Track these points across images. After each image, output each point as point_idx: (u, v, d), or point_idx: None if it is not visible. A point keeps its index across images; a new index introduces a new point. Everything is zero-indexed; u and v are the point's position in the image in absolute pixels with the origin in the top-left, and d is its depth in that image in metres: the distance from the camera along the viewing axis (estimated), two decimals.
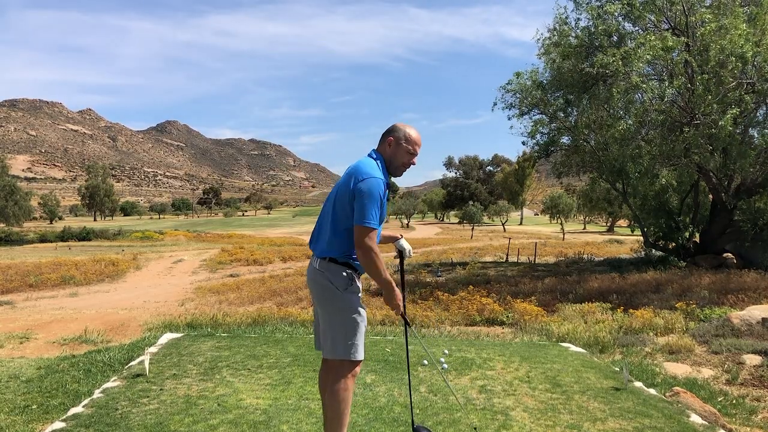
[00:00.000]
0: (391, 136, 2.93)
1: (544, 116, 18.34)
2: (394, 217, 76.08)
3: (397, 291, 2.93)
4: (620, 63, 13.68)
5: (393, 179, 3.07)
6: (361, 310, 2.91)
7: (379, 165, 2.89)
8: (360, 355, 2.88)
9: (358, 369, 2.91)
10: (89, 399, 4.09)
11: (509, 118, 18.66)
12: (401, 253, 3.29)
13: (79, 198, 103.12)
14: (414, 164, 2.98)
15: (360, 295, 2.95)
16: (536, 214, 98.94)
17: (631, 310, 10.12)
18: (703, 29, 13.77)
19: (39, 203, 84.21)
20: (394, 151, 2.91)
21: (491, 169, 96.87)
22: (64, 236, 47.68)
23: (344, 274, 2.87)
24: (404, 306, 3.01)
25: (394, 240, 3.29)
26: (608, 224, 63.95)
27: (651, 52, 13.61)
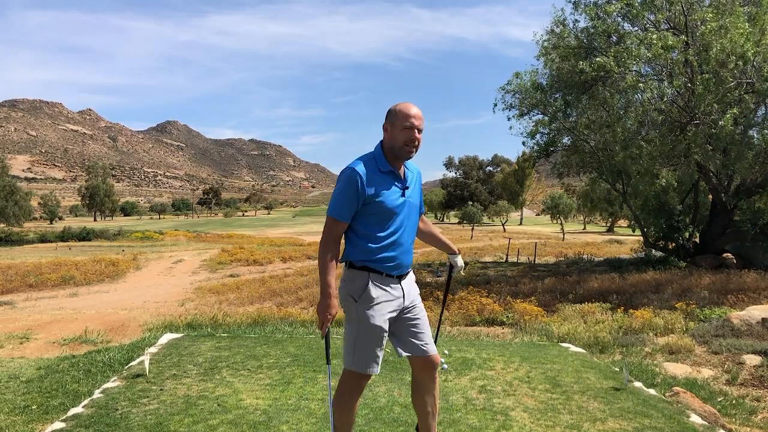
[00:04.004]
0: (385, 122, 2.71)
1: (544, 116, 18.36)
2: None
3: (331, 308, 2.61)
4: (613, 64, 13.69)
5: (412, 165, 2.82)
6: (379, 321, 2.67)
7: (373, 155, 2.69)
8: (368, 368, 2.70)
9: (363, 383, 2.76)
10: (89, 399, 4.09)
11: (509, 119, 18.71)
12: (451, 267, 3.20)
13: (79, 198, 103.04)
14: (417, 138, 2.65)
15: (384, 303, 2.69)
16: (537, 215, 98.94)
17: (631, 311, 10.13)
18: (703, 28, 13.77)
19: (39, 203, 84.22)
20: (391, 134, 2.66)
21: (491, 169, 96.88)
22: (64, 236, 47.69)
23: (360, 281, 2.68)
24: (327, 325, 2.65)
25: (449, 252, 3.15)
26: (608, 224, 63.93)
27: (650, 51, 13.62)
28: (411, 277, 2.87)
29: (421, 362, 2.80)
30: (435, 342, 2.96)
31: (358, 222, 2.66)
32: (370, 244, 2.66)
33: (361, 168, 2.61)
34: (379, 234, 2.66)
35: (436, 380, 2.85)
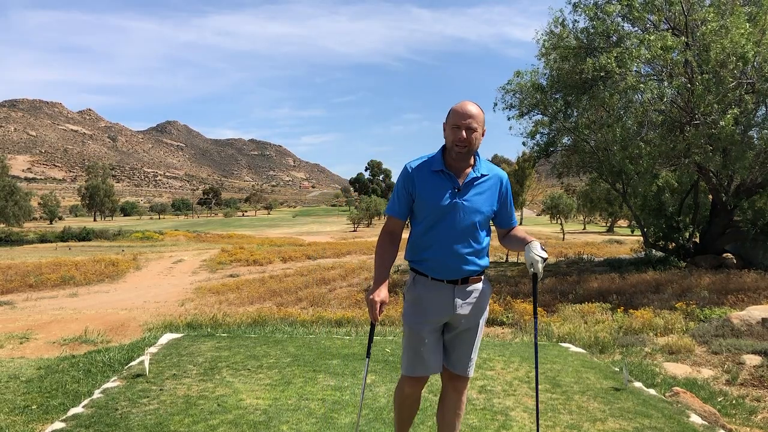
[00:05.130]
0: (444, 121, 2.67)
1: (544, 117, 18.36)
2: None
3: (379, 293, 2.53)
4: (614, 64, 13.69)
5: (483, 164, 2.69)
6: (413, 322, 2.65)
7: (431, 154, 2.68)
8: (406, 369, 2.69)
9: (411, 387, 2.73)
10: (89, 399, 4.09)
11: (509, 119, 18.70)
12: (534, 274, 2.57)
13: (79, 198, 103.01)
14: (464, 138, 2.53)
15: (425, 305, 2.64)
16: (538, 215, 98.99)
17: (631, 311, 10.13)
18: (704, 28, 13.78)
19: (39, 203, 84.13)
20: (446, 134, 2.63)
21: None
22: (64, 236, 47.68)
23: (409, 280, 2.73)
24: (377, 312, 2.53)
25: (524, 245, 2.63)
26: (608, 224, 63.95)
27: (650, 52, 13.62)
28: (476, 291, 2.68)
29: (449, 374, 2.77)
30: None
31: (412, 222, 2.71)
32: (414, 245, 2.68)
33: (412, 164, 2.67)
34: (422, 234, 2.64)
35: (464, 398, 2.81)
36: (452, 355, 2.72)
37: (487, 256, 2.73)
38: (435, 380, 4.74)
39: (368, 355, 2.72)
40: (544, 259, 2.53)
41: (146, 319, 11.64)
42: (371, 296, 2.53)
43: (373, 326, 2.72)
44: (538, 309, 11.18)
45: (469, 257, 2.62)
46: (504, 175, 2.72)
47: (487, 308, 2.78)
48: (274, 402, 4.09)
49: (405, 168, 2.68)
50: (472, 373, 2.77)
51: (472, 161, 2.64)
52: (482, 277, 2.71)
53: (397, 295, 14.13)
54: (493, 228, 2.81)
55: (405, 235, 2.72)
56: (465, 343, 2.71)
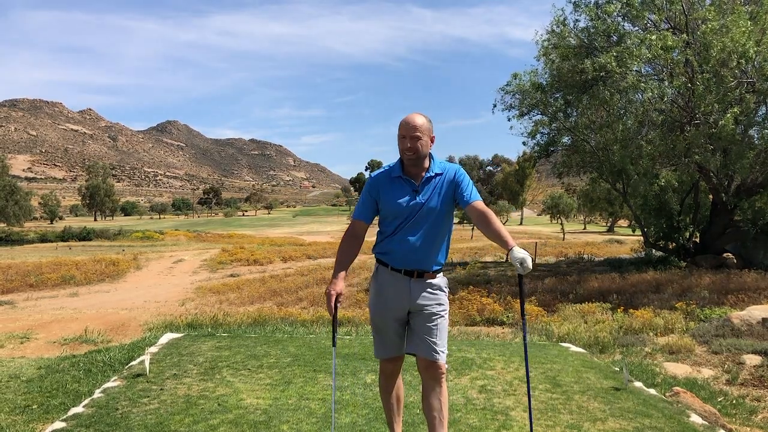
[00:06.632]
0: None
1: (544, 117, 18.36)
2: None
3: (335, 286, 2.77)
4: (614, 64, 13.69)
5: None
6: (376, 309, 2.99)
7: (391, 164, 2.98)
8: (376, 353, 3.07)
9: (384, 368, 3.10)
10: (89, 399, 4.10)
11: (509, 119, 18.70)
12: (520, 276, 2.75)
13: (80, 198, 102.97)
14: (410, 147, 2.82)
15: (385, 294, 2.94)
16: (538, 215, 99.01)
17: (631, 310, 10.13)
18: (704, 27, 13.77)
19: (39, 203, 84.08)
20: (398, 144, 2.91)
21: (491, 169, 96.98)
22: (65, 236, 47.64)
23: (374, 270, 3.03)
24: (332, 304, 2.76)
25: (505, 248, 2.74)
26: (608, 224, 63.92)
27: (650, 51, 13.62)
28: (431, 286, 2.93)
29: (423, 363, 2.94)
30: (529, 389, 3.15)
31: (380, 224, 2.99)
32: (379, 239, 2.98)
33: (375, 174, 2.98)
34: (385, 230, 2.94)
35: (442, 385, 2.94)
36: (416, 337, 2.93)
37: (446, 254, 2.99)
38: None
39: (334, 344, 2.86)
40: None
41: (147, 319, 11.64)
42: (327, 288, 2.79)
43: (334, 318, 2.86)
44: (539, 309, 11.16)
45: (426, 252, 2.89)
46: (457, 167, 2.98)
47: (447, 299, 3.01)
48: (275, 402, 4.09)
49: (369, 178, 3.00)
50: (442, 360, 2.91)
51: (426, 164, 2.91)
52: (439, 274, 2.98)
53: None
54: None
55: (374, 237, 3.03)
56: (426, 322, 2.90)
